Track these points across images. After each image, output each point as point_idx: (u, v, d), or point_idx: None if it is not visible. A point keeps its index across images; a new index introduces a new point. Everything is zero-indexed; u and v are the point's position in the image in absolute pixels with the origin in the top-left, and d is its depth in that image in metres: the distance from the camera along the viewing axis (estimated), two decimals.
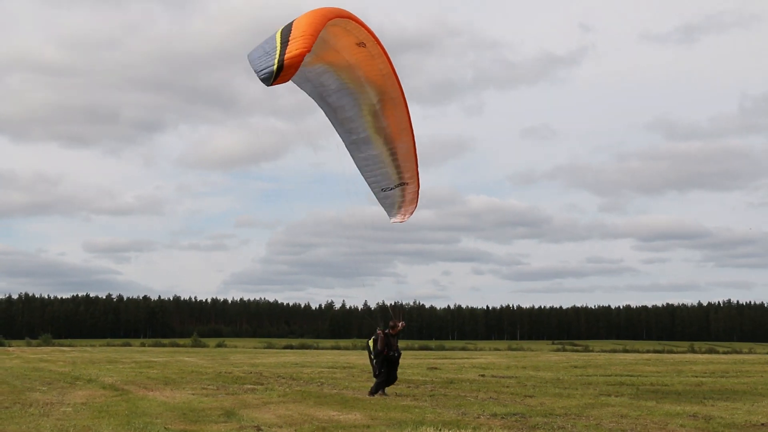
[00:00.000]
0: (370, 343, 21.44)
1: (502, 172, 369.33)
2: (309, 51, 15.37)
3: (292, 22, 16.24)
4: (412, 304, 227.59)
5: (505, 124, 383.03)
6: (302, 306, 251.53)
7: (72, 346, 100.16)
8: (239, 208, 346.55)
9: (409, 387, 23.80)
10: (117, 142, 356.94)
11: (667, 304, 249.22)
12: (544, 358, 59.54)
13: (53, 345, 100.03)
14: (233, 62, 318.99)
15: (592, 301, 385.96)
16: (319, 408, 17.77)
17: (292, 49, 15.19)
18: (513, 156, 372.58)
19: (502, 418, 16.09)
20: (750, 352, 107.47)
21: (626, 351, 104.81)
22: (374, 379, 21.46)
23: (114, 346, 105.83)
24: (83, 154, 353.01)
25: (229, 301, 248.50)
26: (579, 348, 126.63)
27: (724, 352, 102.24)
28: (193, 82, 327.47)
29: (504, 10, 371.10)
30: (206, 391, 22.03)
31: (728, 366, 43.94)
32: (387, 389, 21.35)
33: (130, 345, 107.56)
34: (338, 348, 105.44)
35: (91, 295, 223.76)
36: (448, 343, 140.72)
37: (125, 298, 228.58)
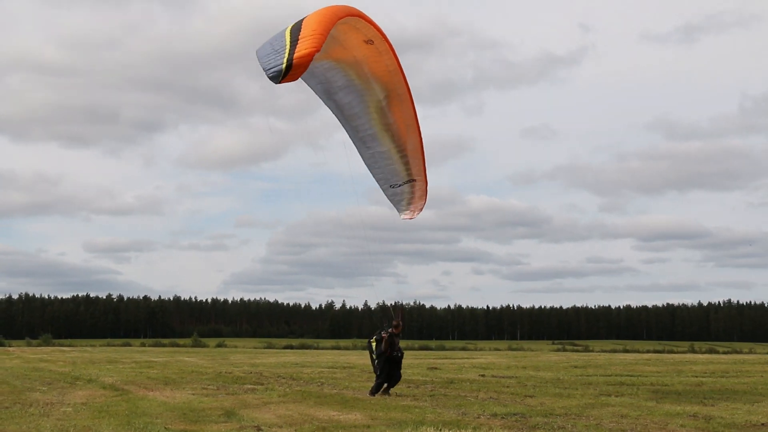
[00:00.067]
0: (373, 342, 21.32)
1: (502, 172, 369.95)
2: (318, 51, 15.27)
3: (302, 20, 16.15)
4: (412, 304, 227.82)
5: (505, 124, 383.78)
6: (302, 306, 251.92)
7: (72, 346, 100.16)
8: (239, 208, 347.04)
9: (409, 387, 23.80)
10: (117, 142, 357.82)
11: (667, 304, 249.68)
12: (545, 358, 59.54)
13: (53, 345, 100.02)
14: (233, 62, 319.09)
15: (592, 301, 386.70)
16: (319, 408, 17.76)
17: (302, 49, 15.11)
18: (513, 156, 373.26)
19: (503, 418, 16.09)
20: (750, 352, 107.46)
21: (626, 351, 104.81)
22: (374, 380, 21.44)
23: (114, 346, 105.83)
24: (83, 154, 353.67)
25: (229, 301, 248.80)
26: (579, 348, 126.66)
27: (724, 352, 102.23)
28: (193, 82, 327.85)
29: (504, 10, 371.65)
30: (206, 391, 22.02)
31: (728, 366, 43.93)
32: (391, 389, 21.27)
33: (130, 345, 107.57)
34: (338, 348, 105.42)
35: (91, 295, 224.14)
36: (448, 343, 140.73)
37: (125, 298, 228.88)
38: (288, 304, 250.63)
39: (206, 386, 23.92)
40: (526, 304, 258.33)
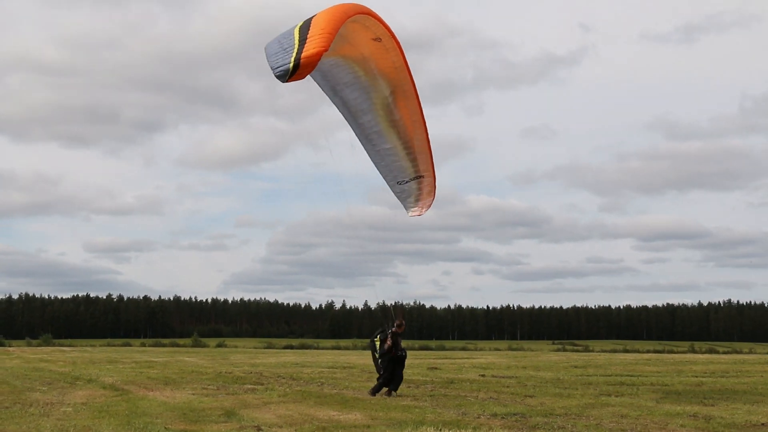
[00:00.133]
0: (377, 342, 21.21)
1: (502, 172, 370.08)
2: (326, 50, 15.15)
3: (312, 18, 16.04)
4: (412, 304, 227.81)
5: (505, 124, 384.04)
6: (302, 306, 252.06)
7: (72, 346, 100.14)
8: (239, 208, 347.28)
9: (409, 387, 23.78)
10: (117, 142, 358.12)
11: (667, 304, 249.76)
12: (545, 358, 59.53)
13: (53, 345, 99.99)
14: (233, 62, 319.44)
15: (592, 301, 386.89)
16: (319, 408, 17.76)
17: (310, 48, 15.01)
18: (513, 156, 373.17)
19: (503, 418, 16.09)
20: (750, 352, 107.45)
21: (626, 351, 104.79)
22: (375, 380, 21.40)
23: (114, 346, 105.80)
24: (83, 154, 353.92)
25: (230, 301, 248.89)
26: (579, 348, 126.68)
27: (724, 352, 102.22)
28: (193, 82, 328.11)
29: (504, 10, 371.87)
30: (206, 391, 22.02)
31: (728, 366, 43.92)
32: (393, 391, 21.20)
33: (130, 345, 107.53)
34: (338, 348, 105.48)
35: (91, 295, 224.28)
36: (448, 343, 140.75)
37: (125, 298, 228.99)
38: (288, 304, 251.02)
39: (206, 386, 23.91)
40: (526, 304, 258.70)
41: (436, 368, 36.87)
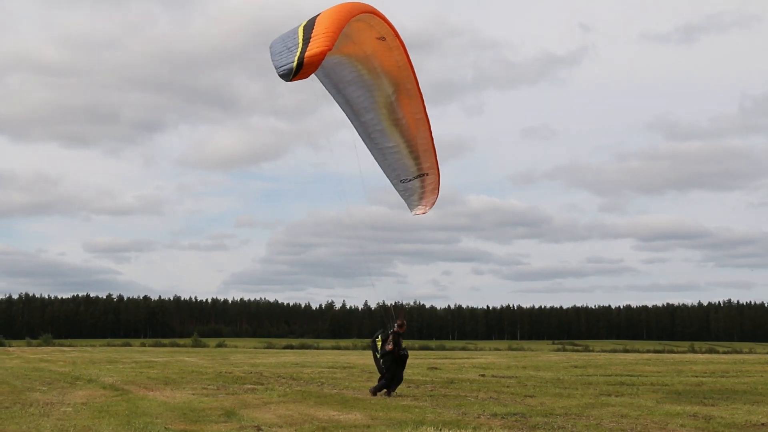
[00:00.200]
0: (378, 342, 21.12)
1: (502, 172, 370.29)
2: (330, 49, 15.09)
3: (316, 16, 15.96)
4: (412, 304, 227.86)
5: (505, 124, 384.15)
6: (302, 306, 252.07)
7: (72, 346, 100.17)
8: (239, 208, 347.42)
9: (409, 387, 23.79)
10: (117, 142, 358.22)
11: (667, 304, 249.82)
12: (545, 358, 59.53)
13: (53, 345, 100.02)
14: (233, 62, 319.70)
15: (592, 301, 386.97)
16: (319, 408, 17.76)
17: (314, 47, 14.92)
18: (513, 156, 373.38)
19: (503, 418, 16.09)
20: (750, 352, 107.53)
21: (626, 351, 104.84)
22: (376, 380, 21.37)
23: (114, 346, 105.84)
24: (83, 154, 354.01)
25: (230, 301, 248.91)
26: (579, 348, 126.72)
27: (724, 352, 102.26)
28: (193, 82, 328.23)
29: (504, 10, 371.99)
30: (206, 391, 22.02)
31: (728, 366, 43.93)
32: (392, 392, 21.18)
33: (130, 345, 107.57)
34: (338, 348, 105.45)
35: (91, 295, 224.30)
36: (448, 343, 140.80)
37: (125, 298, 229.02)
38: (288, 304, 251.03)
39: (206, 386, 23.91)
40: (526, 304, 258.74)
41: (436, 368, 36.88)
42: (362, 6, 16.98)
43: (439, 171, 20.79)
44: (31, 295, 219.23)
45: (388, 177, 20.88)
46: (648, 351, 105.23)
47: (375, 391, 20.90)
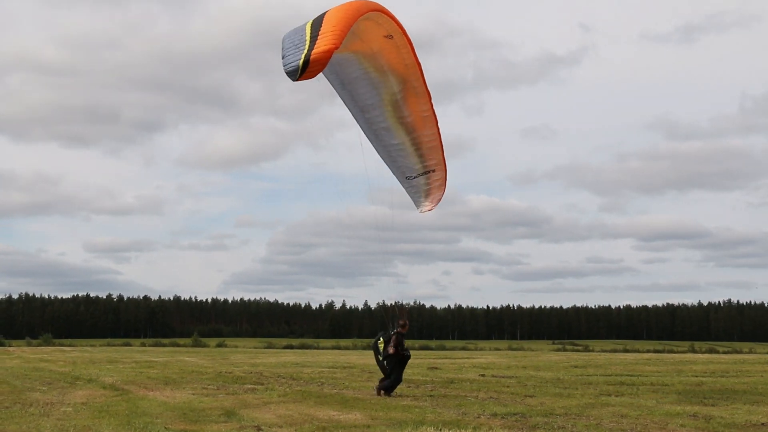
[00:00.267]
0: (380, 344, 20.92)
1: (502, 172, 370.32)
2: (337, 48, 14.96)
3: (324, 14, 15.84)
4: (412, 304, 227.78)
5: (505, 124, 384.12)
6: (302, 306, 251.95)
7: (72, 346, 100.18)
8: (239, 208, 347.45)
9: (409, 387, 23.79)
10: (117, 142, 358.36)
11: (668, 304, 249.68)
12: (545, 357, 59.54)
13: (53, 345, 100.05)
14: (233, 62, 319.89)
15: (593, 301, 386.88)
16: (319, 408, 17.76)
17: (321, 45, 14.78)
18: (513, 156, 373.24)
19: (503, 417, 16.09)
20: (750, 352, 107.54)
21: (626, 351, 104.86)
22: (377, 380, 21.30)
23: (114, 346, 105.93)
24: (83, 154, 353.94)
25: (230, 301, 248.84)
26: (579, 348, 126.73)
27: (725, 352, 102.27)
28: (193, 82, 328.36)
29: (504, 10, 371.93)
30: (206, 391, 22.02)
31: (728, 366, 43.94)
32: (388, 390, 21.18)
33: (130, 345, 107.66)
34: (338, 348, 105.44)
35: (91, 295, 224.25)
36: (448, 343, 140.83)
37: (125, 298, 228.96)
38: (288, 304, 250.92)
39: (206, 386, 23.92)
40: (526, 304, 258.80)
41: (436, 368, 36.88)
42: (371, 4, 16.86)
43: (446, 167, 20.77)
44: (31, 295, 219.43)
45: (394, 174, 20.84)
46: (648, 351, 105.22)
47: (383, 391, 20.71)
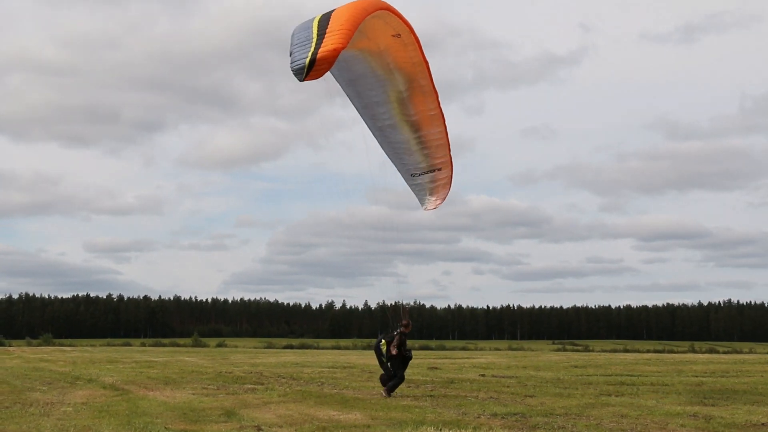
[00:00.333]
0: (383, 345, 20.80)
1: (502, 172, 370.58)
2: (345, 47, 14.84)
3: (332, 12, 15.73)
4: (412, 304, 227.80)
5: (505, 124, 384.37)
6: (302, 306, 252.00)
7: (72, 345, 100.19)
8: (239, 208, 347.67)
9: (409, 387, 23.79)
10: (117, 142, 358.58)
11: (668, 304, 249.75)
12: (545, 357, 59.53)
13: (53, 345, 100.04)
14: (233, 62, 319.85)
15: (593, 301, 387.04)
16: (319, 408, 17.76)
17: (328, 44, 14.65)
18: (513, 156, 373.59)
19: (503, 417, 16.09)
20: (750, 352, 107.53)
21: (626, 351, 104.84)
22: (377, 380, 21.28)
23: (114, 345, 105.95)
24: (83, 154, 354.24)
25: (230, 301, 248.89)
26: (579, 348, 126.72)
27: (725, 352, 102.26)
28: (193, 82, 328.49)
29: (504, 10, 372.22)
30: (206, 391, 22.02)
31: (728, 366, 43.93)
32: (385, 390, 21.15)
33: (130, 345, 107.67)
34: (338, 348, 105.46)
35: (91, 295, 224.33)
36: (448, 343, 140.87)
37: (125, 298, 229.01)
38: (288, 304, 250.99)
39: (206, 386, 23.92)
40: (526, 304, 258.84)
41: (436, 368, 36.87)
42: (379, 3, 16.79)
43: (452, 166, 20.73)
44: (31, 294, 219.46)
45: (399, 171, 20.80)
46: (648, 351, 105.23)
47: (390, 391, 20.69)
